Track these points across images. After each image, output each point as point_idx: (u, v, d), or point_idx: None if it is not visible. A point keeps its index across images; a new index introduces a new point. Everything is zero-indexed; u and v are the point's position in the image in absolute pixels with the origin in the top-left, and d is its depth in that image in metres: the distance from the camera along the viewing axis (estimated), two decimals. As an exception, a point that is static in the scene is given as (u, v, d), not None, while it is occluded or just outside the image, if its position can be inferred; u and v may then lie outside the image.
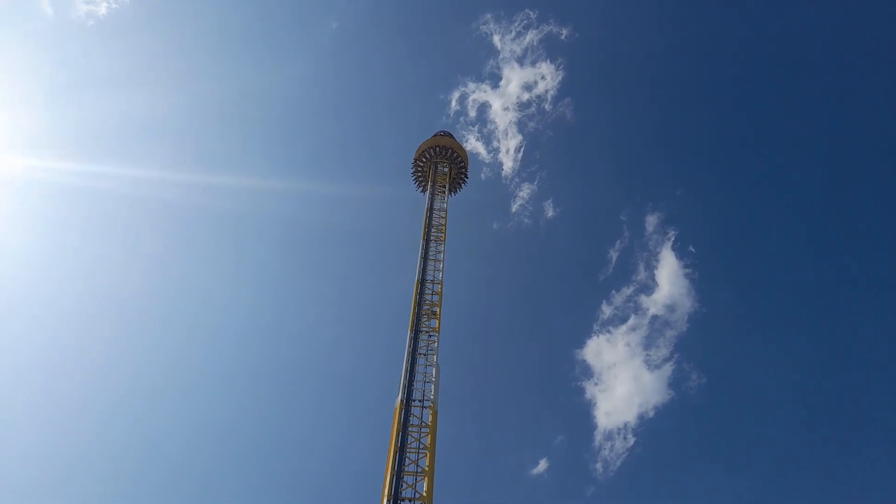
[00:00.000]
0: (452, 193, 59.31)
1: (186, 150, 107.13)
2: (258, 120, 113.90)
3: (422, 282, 46.83)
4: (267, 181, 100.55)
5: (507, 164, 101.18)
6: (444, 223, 52.76)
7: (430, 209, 53.79)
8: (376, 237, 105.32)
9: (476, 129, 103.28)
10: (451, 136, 61.35)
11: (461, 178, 60.41)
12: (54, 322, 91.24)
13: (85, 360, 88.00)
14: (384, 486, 34.59)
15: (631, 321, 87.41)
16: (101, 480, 76.50)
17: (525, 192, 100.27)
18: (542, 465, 78.94)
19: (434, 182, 57.31)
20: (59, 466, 77.06)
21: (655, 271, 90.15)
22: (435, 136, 60.81)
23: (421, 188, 59.56)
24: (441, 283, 47.26)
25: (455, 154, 59.64)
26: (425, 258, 48.88)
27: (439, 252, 49.90)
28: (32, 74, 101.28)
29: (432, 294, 46.29)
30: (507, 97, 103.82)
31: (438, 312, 44.80)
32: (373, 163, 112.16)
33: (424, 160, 59.58)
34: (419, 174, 59.96)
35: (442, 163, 59.27)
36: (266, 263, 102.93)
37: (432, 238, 50.98)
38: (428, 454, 36.48)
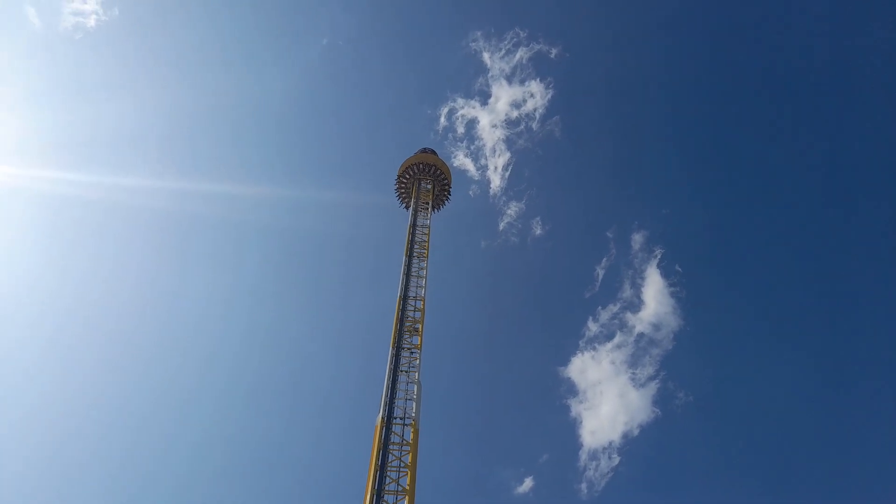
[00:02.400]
0: (436, 210, 59.28)
1: (174, 158, 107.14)
2: (246, 132, 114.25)
3: (404, 298, 46.56)
4: (253, 192, 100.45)
5: (495, 181, 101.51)
6: (426, 240, 52.65)
7: (413, 225, 53.70)
8: (361, 251, 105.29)
9: (464, 145, 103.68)
10: (434, 153, 61.41)
11: (444, 195, 60.43)
12: (44, 335, 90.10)
13: (76, 371, 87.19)
14: (364, 506, 34.10)
15: (617, 339, 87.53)
16: (94, 494, 75.73)
17: (513, 210, 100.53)
18: (528, 483, 78.33)
19: (417, 198, 57.25)
20: (49, 481, 75.97)
21: (641, 289, 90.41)
22: (418, 152, 60.87)
23: (404, 204, 59.46)
24: (423, 299, 47.03)
25: (438, 171, 59.67)
26: (408, 274, 48.64)
27: (422, 268, 49.73)
28: (18, 82, 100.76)
29: (414, 311, 46.03)
30: (495, 114, 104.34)
31: (420, 329, 44.53)
32: (360, 177, 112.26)
33: (408, 177, 59.57)
34: (402, 190, 59.90)
35: (425, 180, 59.27)
36: (252, 275, 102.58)
37: (415, 254, 50.85)
38: (409, 473, 36.05)
